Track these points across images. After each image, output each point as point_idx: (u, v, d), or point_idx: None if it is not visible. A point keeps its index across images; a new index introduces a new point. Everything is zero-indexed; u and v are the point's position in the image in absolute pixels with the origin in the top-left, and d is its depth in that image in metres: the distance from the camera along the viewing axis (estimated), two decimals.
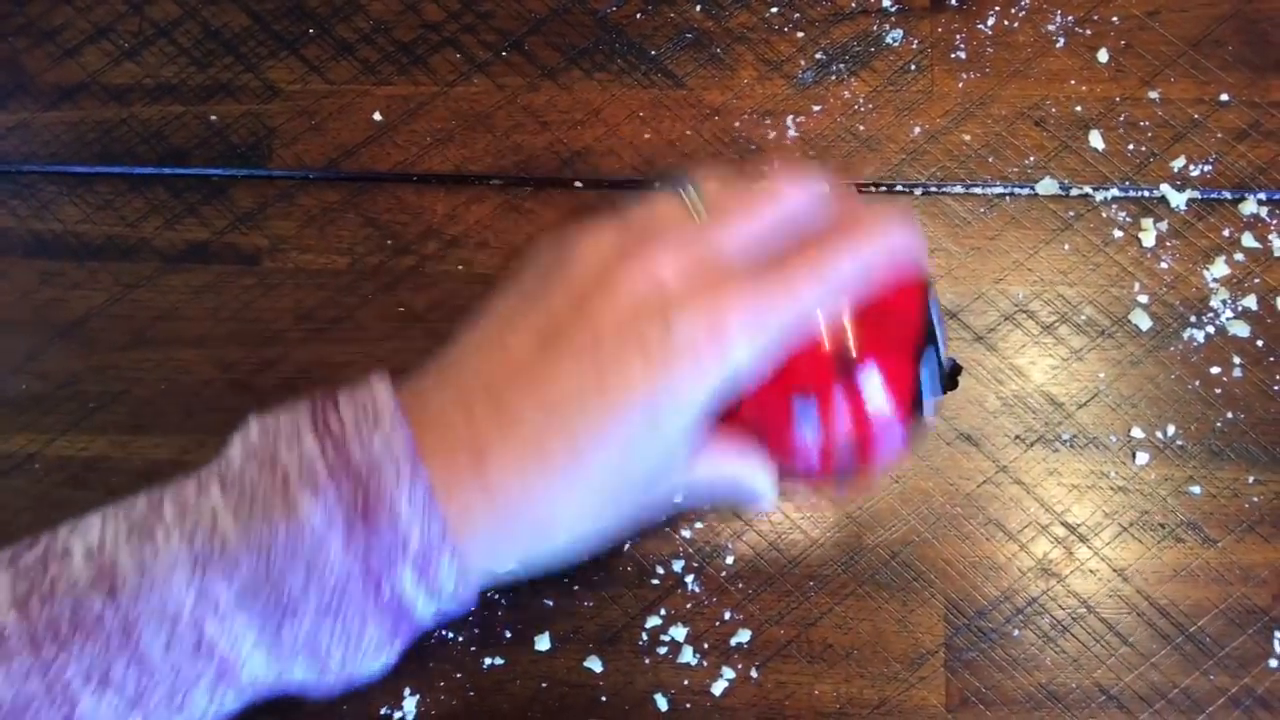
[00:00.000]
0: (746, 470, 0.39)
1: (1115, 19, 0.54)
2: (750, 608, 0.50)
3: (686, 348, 0.34)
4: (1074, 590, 0.49)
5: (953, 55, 0.55)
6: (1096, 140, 0.53)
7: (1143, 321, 0.51)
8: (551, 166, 0.55)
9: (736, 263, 0.36)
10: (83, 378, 0.54)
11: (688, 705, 0.49)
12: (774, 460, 0.39)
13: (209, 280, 0.55)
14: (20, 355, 0.54)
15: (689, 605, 0.50)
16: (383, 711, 0.49)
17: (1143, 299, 0.51)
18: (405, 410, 0.34)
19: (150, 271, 0.55)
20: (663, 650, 0.49)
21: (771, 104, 0.55)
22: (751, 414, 0.38)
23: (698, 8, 0.56)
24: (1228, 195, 0.52)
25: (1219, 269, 0.51)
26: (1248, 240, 0.52)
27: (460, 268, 0.54)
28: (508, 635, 0.50)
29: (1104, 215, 0.52)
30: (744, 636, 0.49)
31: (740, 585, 0.50)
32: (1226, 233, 0.52)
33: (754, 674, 0.49)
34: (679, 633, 0.49)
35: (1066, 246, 0.52)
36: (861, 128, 0.54)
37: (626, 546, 0.50)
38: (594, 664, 0.49)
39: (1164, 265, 0.52)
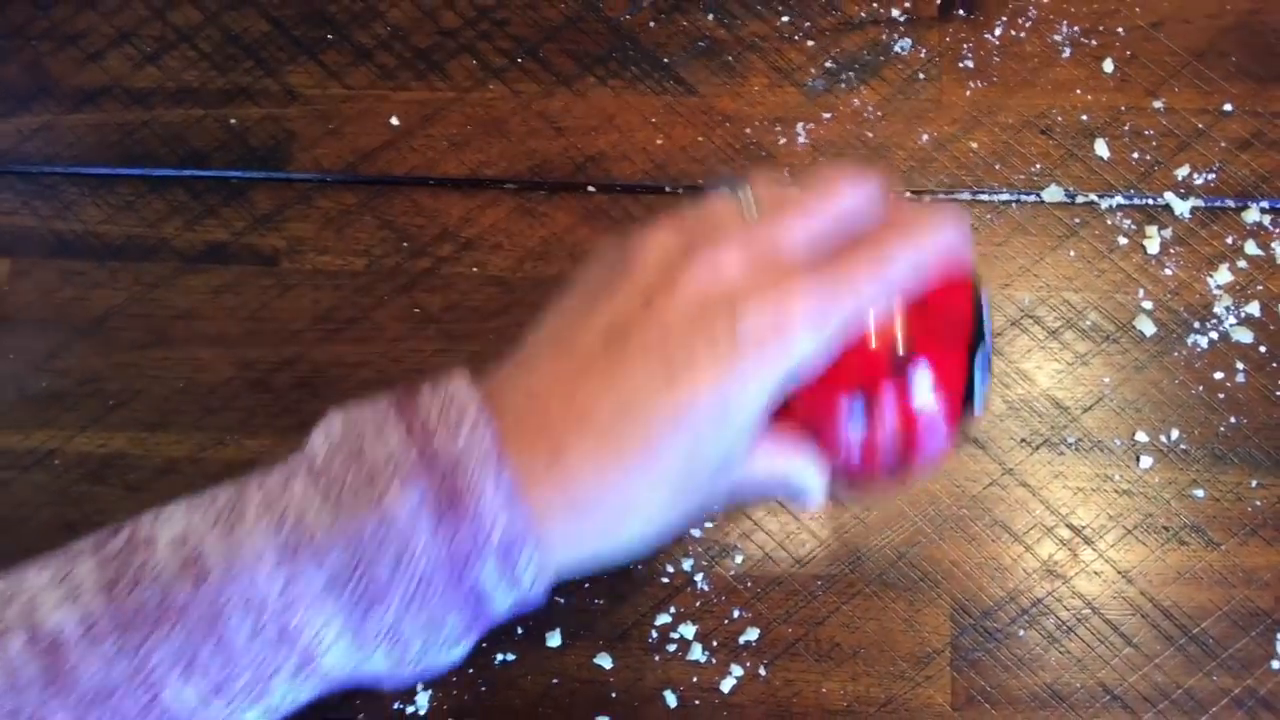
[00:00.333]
0: (800, 467, 0.40)
1: (1121, 30, 0.55)
2: (759, 606, 0.50)
3: (753, 340, 0.35)
4: (1079, 591, 0.50)
5: (961, 65, 0.56)
6: (1102, 149, 0.54)
7: (1147, 327, 0.52)
8: (565, 171, 0.56)
9: (796, 258, 0.37)
10: (103, 375, 0.55)
11: (696, 702, 0.49)
12: (825, 457, 0.40)
13: (228, 280, 0.55)
14: (42, 353, 0.55)
15: (698, 603, 0.50)
16: (396, 706, 0.50)
17: (1147, 305, 0.52)
18: (486, 406, 0.35)
19: (170, 271, 0.56)
20: (672, 647, 0.50)
21: (782, 111, 0.56)
22: (804, 411, 0.39)
23: (710, 16, 0.57)
24: (1231, 203, 0.53)
25: (1222, 276, 0.52)
26: (1251, 248, 0.52)
27: (475, 270, 0.55)
28: (519, 632, 0.51)
29: (1109, 222, 0.53)
30: (752, 634, 0.50)
31: (749, 584, 0.50)
32: (1230, 240, 0.53)
33: (762, 671, 0.50)
34: (688, 630, 0.50)
35: (1072, 253, 0.53)
36: (871, 135, 0.55)
37: None
38: (604, 660, 0.50)
39: (1168, 272, 0.52)
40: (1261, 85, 0.54)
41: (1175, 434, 0.51)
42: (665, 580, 0.51)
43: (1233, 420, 0.51)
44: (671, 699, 0.49)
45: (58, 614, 0.33)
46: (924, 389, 0.38)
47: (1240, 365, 0.51)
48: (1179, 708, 0.48)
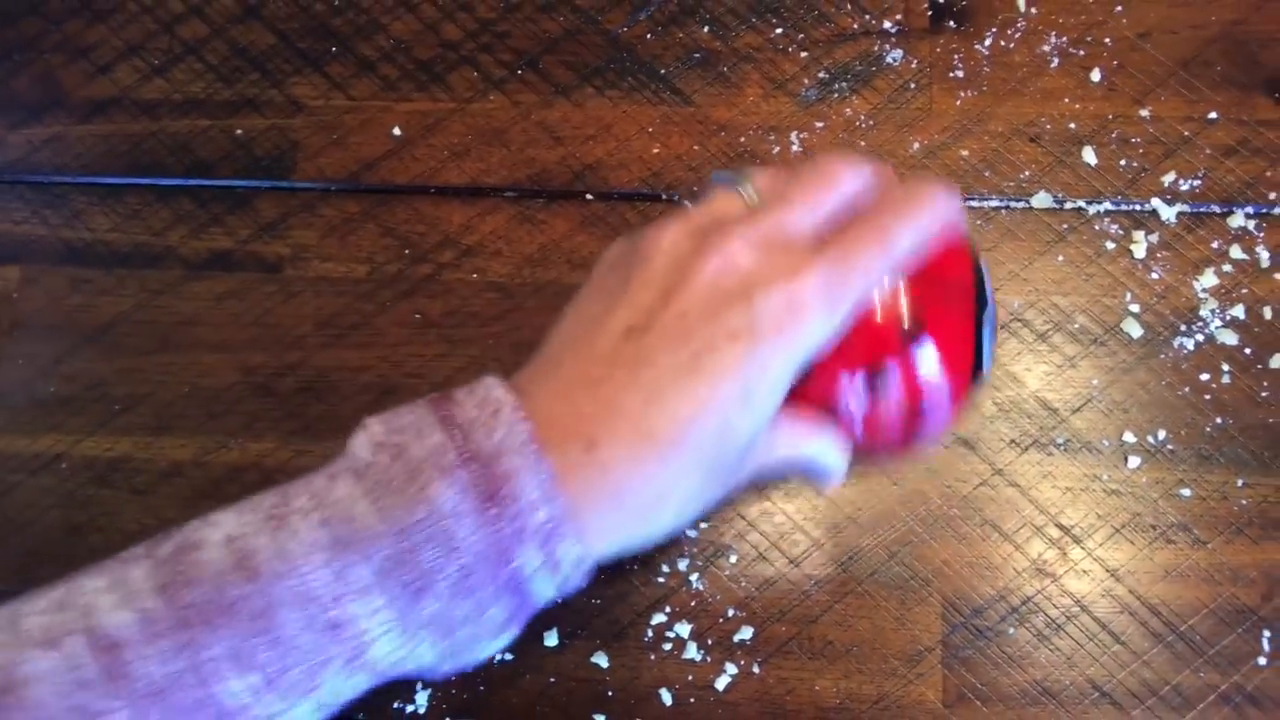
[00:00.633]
0: (820, 445, 0.41)
1: (1108, 40, 0.56)
2: (753, 605, 0.51)
3: (770, 325, 0.36)
4: (1068, 590, 0.50)
5: (951, 74, 0.57)
6: (1090, 156, 0.55)
7: (1134, 330, 0.53)
8: (564, 179, 0.57)
9: (803, 241, 0.38)
10: (109, 381, 0.56)
11: (692, 700, 0.50)
12: (842, 434, 0.41)
13: (232, 287, 0.57)
14: (50, 359, 0.56)
15: (693, 603, 0.51)
16: (395, 705, 0.51)
17: (1134, 308, 0.53)
18: (519, 405, 0.36)
19: (175, 279, 0.57)
20: (668, 646, 0.51)
21: (776, 120, 0.57)
22: (818, 390, 0.40)
23: (706, 29, 0.58)
24: (1216, 209, 0.54)
25: (1208, 280, 0.53)
26: (1236, 252, 0.53)
27: (475, 276, 0.56)
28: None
29: (1097, 228, 0.54)
30: (747, 633, 0.51)
31: (743, 583, 0.51)
32: (1215, 245, 0.54)
33: (756, 669, 0.50)
34: (683, 629, 0.51)
35: (1060, 258, 0.54)
36: (863, 144, 0.56)
37: None
38: (601, 659, 0.51)
39: (1155, 276, 0.53)
40: (1246, 94, 0.55)
41: (1162, 434, 0.52)
42: (661, 580, 0.51)
43: (1219, 421, 0.52)
44: (667, 697, 0.50)
45: (115, 615, 0.33)
46: (933, 358, 0.40)
47: (1226, 367, 0.52)
48: (1167, 704, 0.49)
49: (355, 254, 0.56)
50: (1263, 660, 0.49)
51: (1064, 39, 0.57)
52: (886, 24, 0.58)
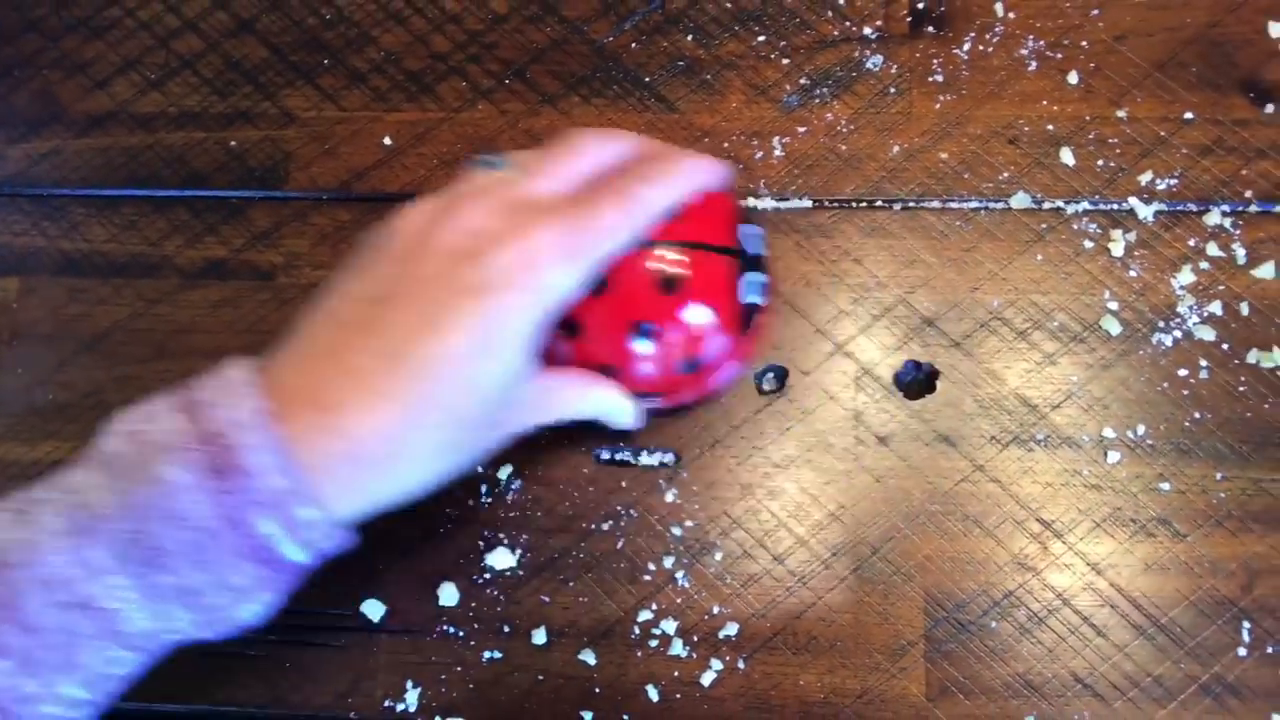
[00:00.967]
0: (603, 396, 0.44)
1: (1085, 43, 0.57)
2: (737, 602, 0.52)
3: (503, 280, 0.38)
4: (1049, 584, 0.51)
5: (930, 79, 0.57)
6: (1067, 157, 0.56)
7: (1113, 327, 0.53)
8: None
9: (545, 204, 0.40)
10: (106, 388, 0.57)
11: (678, 696, 0.51)
12: (626, 385, 0.43)
13: (227, 295, 0.58)
14: (48, 367, 0.57)
15: (679, 600, 0.52)
16: (386, 703, 0.51)
17: (1113, 306, 0.54)
18: (257, 379, 0.37)
19: (171, 288, 0.58)
20: (654, 643, 0.51)
21: (759, 126, 0.58)
22: (599, 349, 0.42)
23: (689, 37, 0.59)
24: (1193, 207, 0.55)
25: (1185, 277, 0.54)
26: (1212, 249, 0.54)
27: None
28: (506, 630, 0.52)
29: (1075, 227, 0.55)
30: (732, 629, 0.51)
31: (728, 580, 0.52)
32: (1192, 243, 0.54)
33: (741, 665, 0.51)
34: (669, 626, 0.51)
35: (1039, 257, 0.54)
36: (844, 148, 0.57)
37: (620, 544, 0.52)
38: (588, 657, 0.51)
39: (1133, 274, 0.54)
40: (1221, 94, 0.56)
41: (1142, 429, 0.52)
42: (647, 578, 0.52)
43: (1197, 415, 0.52)
44: (654, 693, 0.51)
45: None
46: (694, 314, 0.43)
47: (1204, 362, 0.53)
48: (1148, 695, 0.49)
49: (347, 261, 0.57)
50: (1243, 651, 0.49)
51: (1041, 42, 0.57)
52: (867, 30, 0.59)
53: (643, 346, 0.43)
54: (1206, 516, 0.51)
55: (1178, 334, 0.53)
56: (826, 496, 0.52)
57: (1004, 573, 0.51)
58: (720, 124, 0.58)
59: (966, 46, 0.58)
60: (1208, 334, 0.53)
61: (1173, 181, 0.55)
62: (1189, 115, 0.56)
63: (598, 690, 0.51)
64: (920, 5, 0.58)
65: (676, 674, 0.51)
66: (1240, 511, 0.51)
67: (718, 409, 0.53)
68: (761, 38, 0.59)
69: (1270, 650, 0.49)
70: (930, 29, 0.58)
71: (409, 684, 0.52)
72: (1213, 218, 0.54)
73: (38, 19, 0.63)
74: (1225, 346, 0.53)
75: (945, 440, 0.53)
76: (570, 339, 0.43)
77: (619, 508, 0.53)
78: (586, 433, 0.53)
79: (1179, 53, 0.57)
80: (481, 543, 0.53)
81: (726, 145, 0.57)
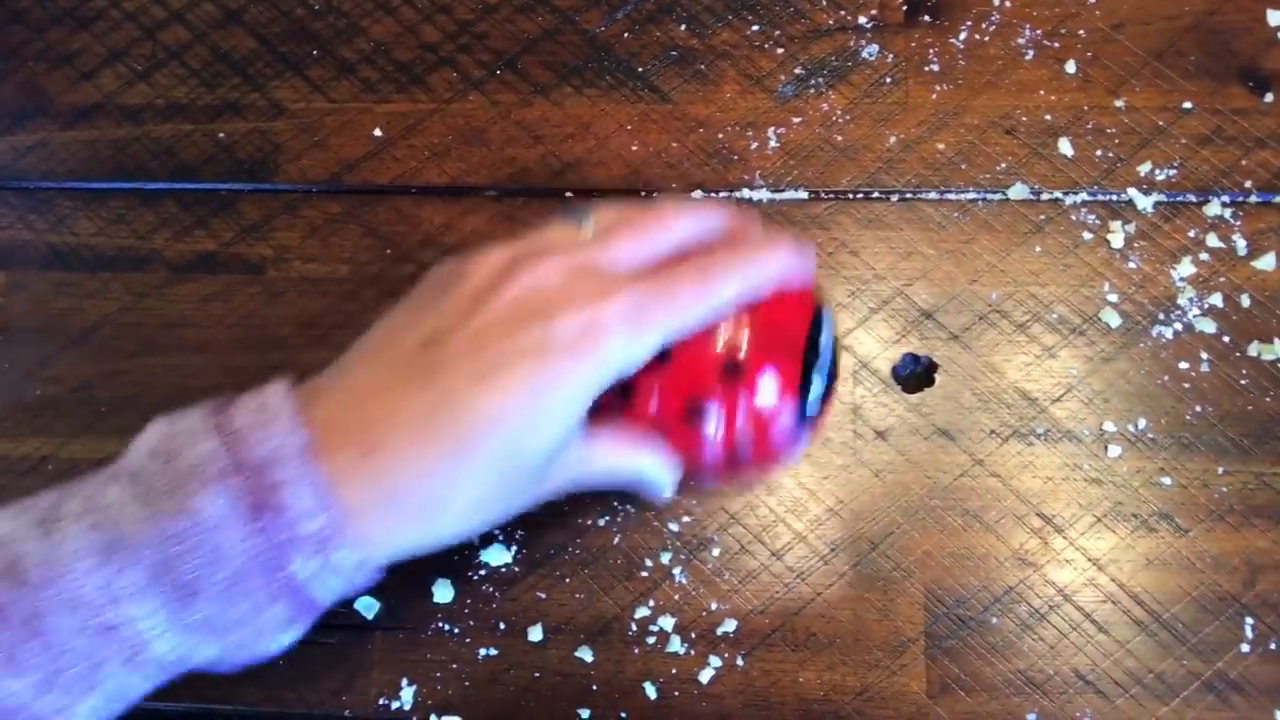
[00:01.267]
0: (644, 462, 0.42)
1: (1082, 32, 0.57)
2: (736, 598, 0.51)
3: (565, 345, 0.37)
4: (1051, 579, 0.50)
5: (926, 68, 0.57)
6: (1066, 147, 0.55)
7: (1113, 319, 0.53)
8: (544, 178, 0.57)
9: (620, 272, 0.39)
10: (95, 383, 0.56)
11: (676, 693, 0.50)
12: (675, 455, 0.43)
13: (216, 289, 0.57)
14: (35, 361, 0.56)
15: (677, 596, 0.51)
16: (381, 701, 0.51)
17: (1112, 298, 0.53)
18: (301, 410, 0.36)
19: (160, 281, 0.57)
20: (651, 640, 0.51)
21: (753, 116, 0.57)
22: (650, 416, 0.42)
23: (683, 26, 0.59)
24: (1193, 198, 0.54)
25: (1185, 268, 0.53)
26: (1212, 241, 0.53)
27: None
28: (502, 627, 0.51)
29: (1073, 219, 0.54)
30: (730, 626, 0.51)
31: (726, 576, 0.51)
32: (1192, 234, 0.54)
33: (740, 662, 0.50)
34: (667, 623, 0.51)
35: (1038, 249, 0.54)
36: (840, 138, 0.56)
37: (617, 540, 0.52)
38: (585, 654, 0.51)
39: (1132, 265, 0.53)
40: (1219, 83, 0.55)
41: (1143, 423, 0.52)
42: (644, 574, 0.52)
43: (1198, 409, 0.52)
44: (651, 690, 0.50)
45: None
46: (752, 399, 0.41)
47: (1204, 355, 0.52)
48: (1150, 692, 0.49)
49: (338, 254, 0.57)
50: (1246, 647, 0.49)
51: (1038, 31, 0.57)
52: (862, 19, 0.58)
53: (694, 424, 0.42)
54: (1208, 511, 0.51)
55: (1178, 326, 0.53)
56: (825, 491, 0.52)
57: (1005, 568, 0.51)
58: (714, 114, 0.57)
59: (963, 35, 0.57)
60: (1208, 326, 0.52)
61: (1172, 172, 0.54)
62: (1188, 105, 0.55)
63: (595, 688, 0.51)
64: None
65: (674, 671, 0.50)
66: (1242, 506, 0.50)
67: None
68: (755, 27, 0.58)
69: (1273, 646, 0.49)
70: (926, 18, 0.58)
71: (404, 682, 0.51)
72: (1213, 208, 0.54)
73: (22, 10, 0.62)
74: (1226, 339, 0.52)
75: (944, 434, 0.52)
76: (622, 400, 0.42)
77: (615, 503, 0.52)
78: None
79: (1177, 41, 0.56)
80: (477, 539, 0.52)
81: (721, 136, 0.57)
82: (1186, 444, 0.51)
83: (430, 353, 0.37)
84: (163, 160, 0.59)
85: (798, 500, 0.52)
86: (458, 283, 0.39)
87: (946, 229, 0.55)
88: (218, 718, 0.52)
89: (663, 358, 0.41)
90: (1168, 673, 0.49)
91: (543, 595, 0.52)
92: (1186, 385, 0.52)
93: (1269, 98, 0.55)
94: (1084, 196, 0.54)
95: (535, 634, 0.51)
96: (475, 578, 0.52)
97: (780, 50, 0.58)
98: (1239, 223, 0.54)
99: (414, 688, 0.51)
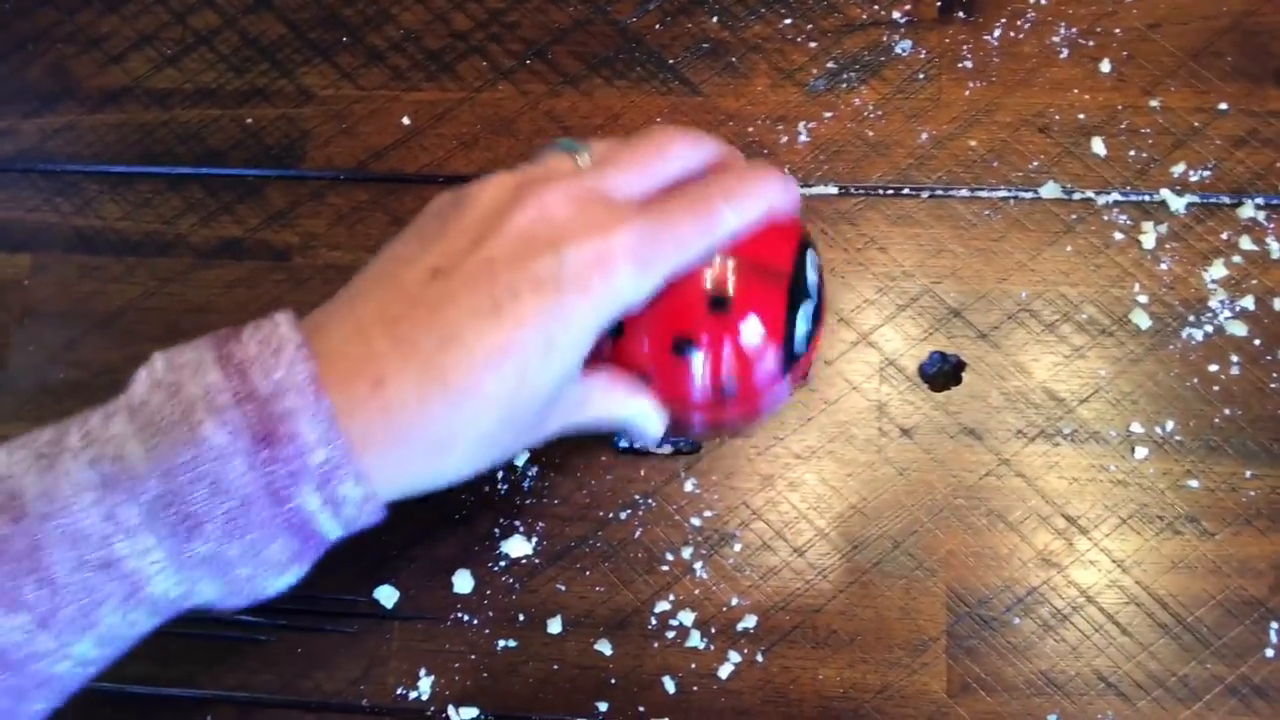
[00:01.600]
0: (636, 405, 0.42)
1: (1118, 31, 0.56)
2: (756, 594, 0.51)
3: (576, 277, 0.36)
4: (1074, 580, 0.50)
5: (960, 65, 0.56)
6: (1099, 146, 0.55)
7: (1143, 321, 0.52)
8: None
9: (625, 202, 0.38)
10: (119, 367, 0.56)
11: (695, 688, 0.50)
12: (660, 398, 0.42)
13: (241, 275, 0.57)
14: (60, 345, 0.57)
15: (697, 591, 0.51)
16: (399, 691, 0.51)
17: (1143, 299, 0.53)
18: (307, 342, 0.35)
19: (185, 267, 0.57)
20: (671, 634, 0.51)
21: (784, 110, 0.57)
22: (635, 353, 0.41)
23: (714, 19, 0.58)
24: (1226, 200, 0.54)
25: (1217, 270, 0.53)
26: (1245, 243, 0.53)
27: None
28: (521, 619, 0.51)
29: (1105, 218, 0.54)
30: (750, 622, 0.51)
31: (747, 572, 0.51)
32: (1225, 236, 0.53)
33: (759, 658, 0.50)
34: (687, 617, 0.51)
35: (1069, 248, 0.54)
36: (871, 133, 0.56)
37: (638, 533, 0.52)
38: (604, 647, 0.51)
39: (1164, 267, 0.53)
40: (1256, 84, 0.55)
41: (1170, 425, 0.51)
42: (665, 568, 0.51)
43: (1227, 412, 0.51)
44: (670, 685, 0.50)
45: None
46: (739, 337, 0.41)
47: (1235, 358, 0.52)
48: (1173, 695, 0.48)
49: (364, 242, 0.57)
50: (1270, 652, 0.49)
51: (1073, 30, 0.56)
52: (895, 14, 0.58)
53: (682, 361, 0.42)
54: (1235, 515, 0.50)
55: (1208, 329, 0.52)
56: (848, 489, 0.52)
57: (1028, 569, 0.50)
58: (745, 108, 0.57)
59: (997, 33, 0.57)
60: (1239, 329, 0.52)
61: (1205, 173, 0.54)
62: (1223, 106, 0.55)
63: (613, 681, 0.50)
64: None
65: (694, 666, 0.50)
66: (1270, 510, 0.50)
67: None
68: (788, 20, 0.58)
69: None
70: (960, 14, 0.57)
71: (422, 672, 0.51)
72: (1246, 210, 0.53)
73: None
74: (1257, 342, 0.52)
75: (970, 433, 0.52)
76: (612, 340, 0.42)
77: (637, 497, 0.52)
78: None
79: (1214, 42, 0.56)
80: (497, 530, 0.52)
81: (751, 129, 0.56)
82: (1214, 447, 0.51)
83: (438, 283, 0.37)
84: (190, 145, 0.59)
85: (820, 497, 0.52)
86: (463, 210, 0.39)
87: (977, 227, 0.54)
88: (235, 704, 0.52)
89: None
90: (1190, 676, 0.49)
91: (562, 587, 0.52)
92: (1216, 388, 0.52)
93: None
94: (1116, 196, 0.54)
95: (554, 626, 0.51)
96: (495, 569, 0.52)
97: (813, 44, 0.57)
98: (1273, 225, 0.53)
99: (432, 678, 0.51)
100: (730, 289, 0.41)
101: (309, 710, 0.51)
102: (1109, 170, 0.54)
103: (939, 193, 0.55)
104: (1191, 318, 0.52)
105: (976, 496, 0.51)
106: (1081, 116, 0.55)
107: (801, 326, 0.42)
